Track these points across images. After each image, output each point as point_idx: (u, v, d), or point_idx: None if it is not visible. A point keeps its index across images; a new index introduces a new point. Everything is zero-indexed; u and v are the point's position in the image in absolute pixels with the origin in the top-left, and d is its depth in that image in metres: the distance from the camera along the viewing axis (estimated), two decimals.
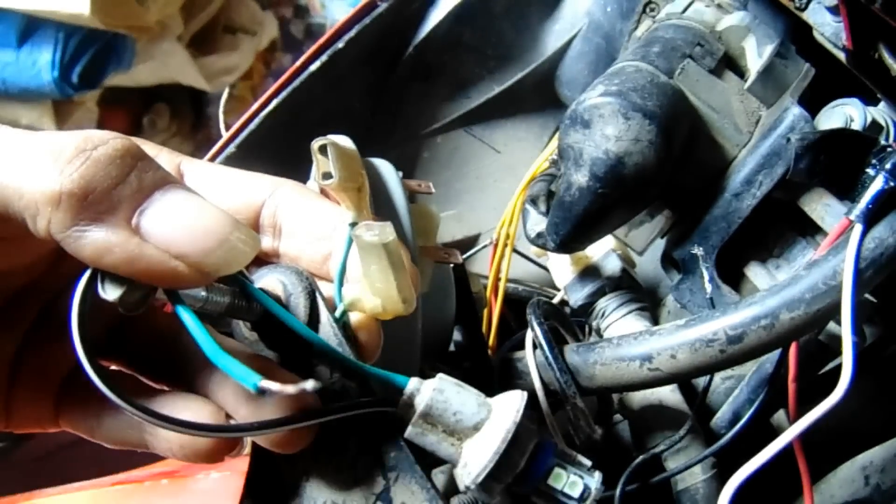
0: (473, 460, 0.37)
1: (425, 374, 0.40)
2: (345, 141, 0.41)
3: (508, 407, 0.38)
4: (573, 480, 0.39)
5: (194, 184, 0.38)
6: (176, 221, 0.30)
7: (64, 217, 0.29)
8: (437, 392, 0.37)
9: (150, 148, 0.38)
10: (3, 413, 0.37)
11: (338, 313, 0.40)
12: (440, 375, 0.38)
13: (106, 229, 0.29)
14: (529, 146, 0.97)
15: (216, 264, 0.31)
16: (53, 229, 0.29)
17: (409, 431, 0.38)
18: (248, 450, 0.42)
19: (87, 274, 0.31)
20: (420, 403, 0.37)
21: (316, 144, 0.39)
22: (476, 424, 0.37)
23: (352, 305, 0.40)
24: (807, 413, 0.49)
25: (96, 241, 0.29)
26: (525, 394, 0.38)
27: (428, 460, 0.39)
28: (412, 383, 0.38)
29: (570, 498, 0.39)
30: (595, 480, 0.39)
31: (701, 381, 0.67)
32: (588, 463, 0.40)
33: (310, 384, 0.30)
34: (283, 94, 0.79)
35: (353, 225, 0.39)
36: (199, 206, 0.31)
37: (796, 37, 0.66)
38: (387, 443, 0.39)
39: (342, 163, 0.39)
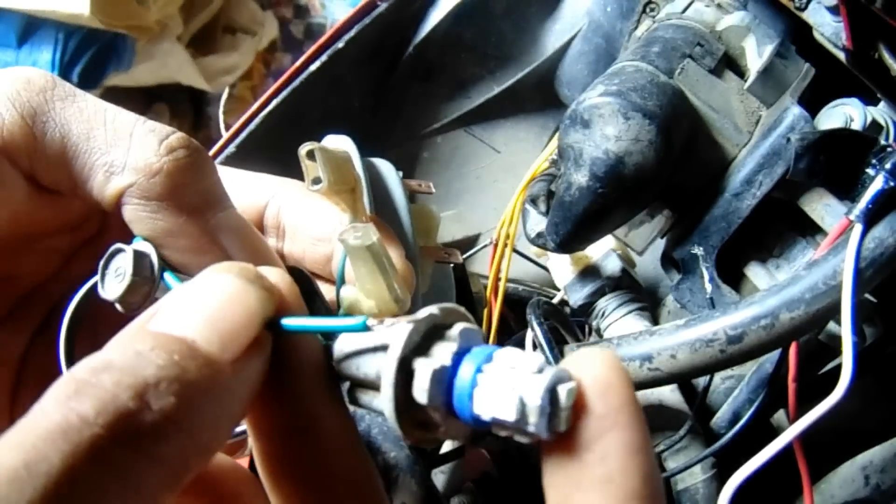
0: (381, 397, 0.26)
1: None
2: (337, 142, 0.41)
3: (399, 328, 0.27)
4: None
5: None
6: (238, 235, 0.33)
7: (152, 187, 0.30)
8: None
9: None
10: (7, 413, 0.37)
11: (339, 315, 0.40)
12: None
13: (186, 216, 0.31)
14: (529, 146, 0.97)
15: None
16: (134, 194, 0.31)
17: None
18: (248, 450, 0.42)
19: (89, 283, 0.31)
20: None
21: (303, 150, 0.38)
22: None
23: (350, 307, 0.40)
24: (807, 413, 0.49)
25: (173, 224, 0.31)
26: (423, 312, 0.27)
27: (428, 460, 0.39)
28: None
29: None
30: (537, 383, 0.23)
31: (701, 381, 0.67)
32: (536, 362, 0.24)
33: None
34: (283, 94, 0.79)
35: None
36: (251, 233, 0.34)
37: (796, 37, 0.66)
38: (387, 443, 0.39)
39: (330, 167, 0.38)
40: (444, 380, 0.23)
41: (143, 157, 0.31)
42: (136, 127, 0.31)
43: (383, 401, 0.24)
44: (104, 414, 0.20)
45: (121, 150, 0.31)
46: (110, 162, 0.31)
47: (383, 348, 0.25)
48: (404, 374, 0.24)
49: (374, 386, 0.26)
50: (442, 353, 0.24)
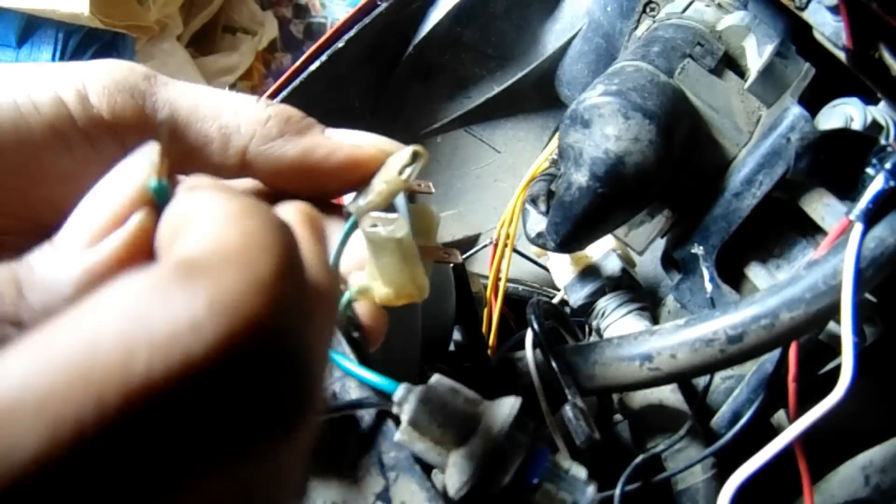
0: (457, 472, 0.36)
1: (425, 374, 0.40)
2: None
3: (497, 418, 0.37)
4: (561, 498, 0.37)
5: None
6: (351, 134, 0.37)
7: (270, 131, 0.34)
8: (422, 404, 0.37)
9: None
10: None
11: (343, 302, 0.39)
12: (433, 379, 0.38)
13: (308, 136, 0.35)
14: (529, 146, 0.97)
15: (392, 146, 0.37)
16: (255, 143, 0.34)
17: (398, 437, 0.38)
18: None
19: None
20: (407, 412, 0.37)
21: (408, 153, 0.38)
22: (463, 435, 0.37)
23: (359, 294, 0.39)
24: (807, 413, 0.49)
25: (302, 143, 0.35)
26: (518, 402, 0.38)
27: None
28: (400, 391, 0.37)
29: None
30: (586, 497, 0.37)
31: (701, 381, 0.67)
32: (583, 476, 0.38)
33: None
34: (283, 93, 0.79)
35: (351, 214, 0.38)
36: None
37: (796, 36, 0.66)
38: (387, 443, 0.39)
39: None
40: None
41: (252, 111, 0.34)
42: (229, 95, 0.35)
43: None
44: None
45: (229, 114, 0.34)
46: (224, 125, 0.34)
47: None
48: None
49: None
50: None
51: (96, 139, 0.32)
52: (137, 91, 0.33)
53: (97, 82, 0.32)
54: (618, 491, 0.60)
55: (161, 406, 0.16)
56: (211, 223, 0.20)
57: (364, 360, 0.40)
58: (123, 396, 0.15)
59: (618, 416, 0.71)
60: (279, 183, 0.36)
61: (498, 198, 0.95)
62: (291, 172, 0.35)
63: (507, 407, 0.37)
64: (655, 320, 0.75)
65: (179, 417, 0.16)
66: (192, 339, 0.16)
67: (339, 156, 0.36)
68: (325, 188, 0.37)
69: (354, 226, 0.37)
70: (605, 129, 0.59)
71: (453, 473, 0.36)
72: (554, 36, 0.89)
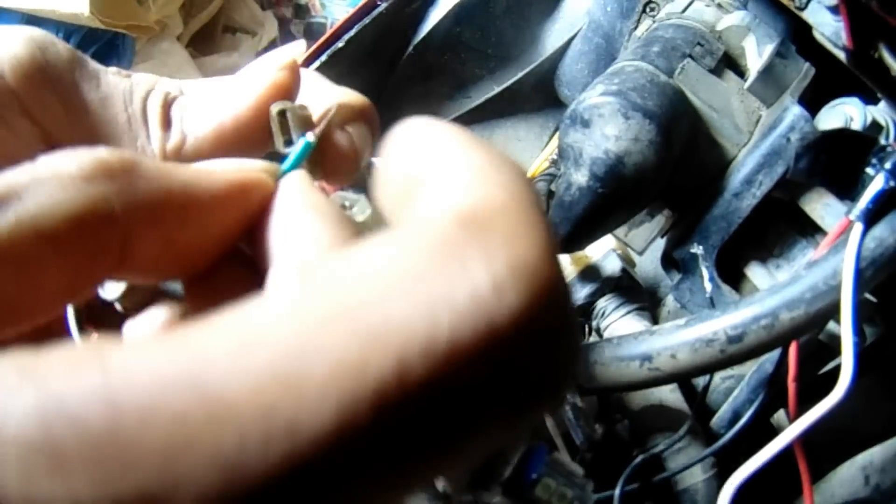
0: None
1: None
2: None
3: None
4: (561, 492, 0.37)
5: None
6: None
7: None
8: None
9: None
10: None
11: None
12: None
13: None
14: (529, 146, 0.97)
15: None
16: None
17: None
18: None
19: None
20: None
21: (275, 109, 0.33)
22: None
23: None
24: (807, 413, 0.49)
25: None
26: None
27: None
28: None
29: None
30: (585, 493, 0.38)
31: (701, 381, 0.67)
32: (580, 472, 0.39)
33: None
34: None
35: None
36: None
37: (796, 36, 0.66)
38: None
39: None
40: None
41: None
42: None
43: None
44: None
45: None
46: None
47: None
48: None
49: None
50: None
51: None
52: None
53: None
54: (618, 491, 0.60)
55: (462, 374, 0.14)
56: (472, 172, 0.18)
57: None
58: (428, 362, 0.13)
59: (618, 416, 0.71)
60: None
61: None
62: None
63: None
64: (655, 320, 0.74)
65: (479, 384, 0.14)
66: (495, 304, 0.14)
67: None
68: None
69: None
70: (605, 129, 0.59)
71: None
72: (554, 36, 0.89)
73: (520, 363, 0.15)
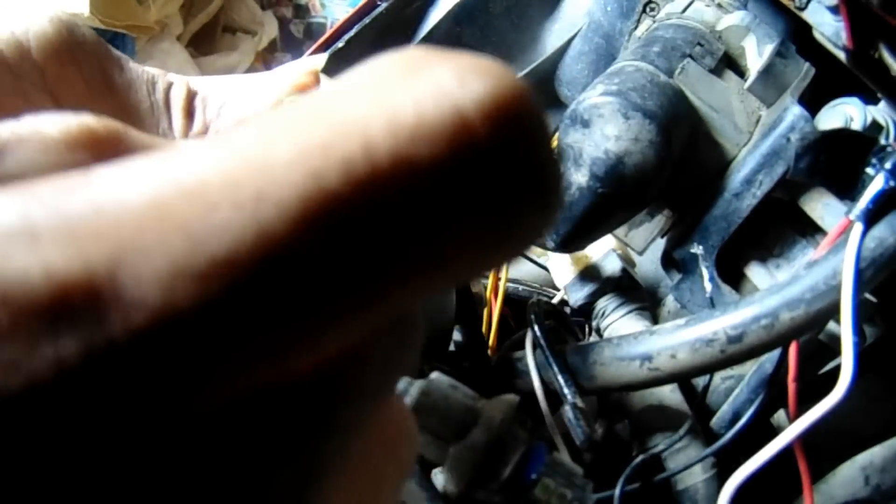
0: (457, 464, 0.37)
1: (424, 374, 0.40)
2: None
3: (496, 413, 0.38)
4: (561, 492, 0.37)
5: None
6: None
7: None
8: (423, 395, 0.37)
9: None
10: None
11: None
12: (433, 375, 0.38)
13: None
14: None
15: None
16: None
17: None
18: None
19: None
20: (407, 403, 0.37)
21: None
22: (462, 430, 0.37)
23: None
24: (807, 413, 0.49)
25: None
26: (516, 399, 0.38)
27: (428, 460, 0.39)
28: (401, 382, 0.38)
29: None
30: (585, 494, 0.38)
31: (701, 381, 0.67)
32: (579, 472, 0.39)
33: None
34: None
35: None
36: None
37: (796, 36, 0.66)
38: None
39: None
40: None
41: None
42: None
43: None
44: None
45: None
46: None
47: None
48: None
49: None
50: None
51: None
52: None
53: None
54: (617, 491, 0.60)
55: (432, 154, 0.13)
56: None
57: None
58: (393, 141, 0.13)
59: (618, 416, 0.71)
60: None
61: None
62: None
63: (505, 403, 0.38)
64: (655, 320, 0.74)
65: (450, 171, 0.13)
66: (458, 90, 0.14)
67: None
68: None
69: None
70: (604, 129, 0.59)
71: (453, 465, 0.37)
72: (554, 36, 0.89)
73: (492, 154, 0.14)
